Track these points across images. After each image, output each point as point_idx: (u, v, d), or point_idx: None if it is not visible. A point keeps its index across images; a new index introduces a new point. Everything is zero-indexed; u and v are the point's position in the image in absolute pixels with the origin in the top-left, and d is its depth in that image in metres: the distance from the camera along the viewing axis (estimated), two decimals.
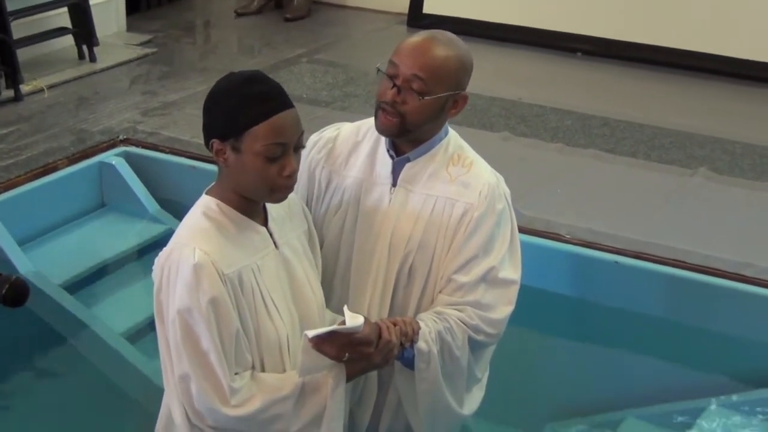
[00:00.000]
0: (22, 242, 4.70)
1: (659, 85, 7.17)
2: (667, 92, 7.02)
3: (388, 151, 2.88)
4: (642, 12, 7.57)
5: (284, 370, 2.59)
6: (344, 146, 2.97)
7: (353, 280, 2.92)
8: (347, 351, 2.48)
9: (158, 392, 2.71)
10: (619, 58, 7.56)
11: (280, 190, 2.50)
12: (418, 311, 2.87)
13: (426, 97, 2.72)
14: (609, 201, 5.07)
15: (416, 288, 2.88)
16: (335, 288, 2.95)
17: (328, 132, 3.02)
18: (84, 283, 4.71)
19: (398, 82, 2.73)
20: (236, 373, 2.48)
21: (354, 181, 2.92)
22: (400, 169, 2.87)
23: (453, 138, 2.93)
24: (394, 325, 2.61)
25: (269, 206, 2.62)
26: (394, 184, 2.88)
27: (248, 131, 2.41)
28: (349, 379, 2.58)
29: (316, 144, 2.99)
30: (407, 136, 2.82)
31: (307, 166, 2.95)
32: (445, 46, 2.75)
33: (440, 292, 2.85)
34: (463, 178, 2.85)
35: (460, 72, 2.78)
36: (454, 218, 2.82)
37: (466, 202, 2.82)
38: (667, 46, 7.44)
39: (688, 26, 7.38)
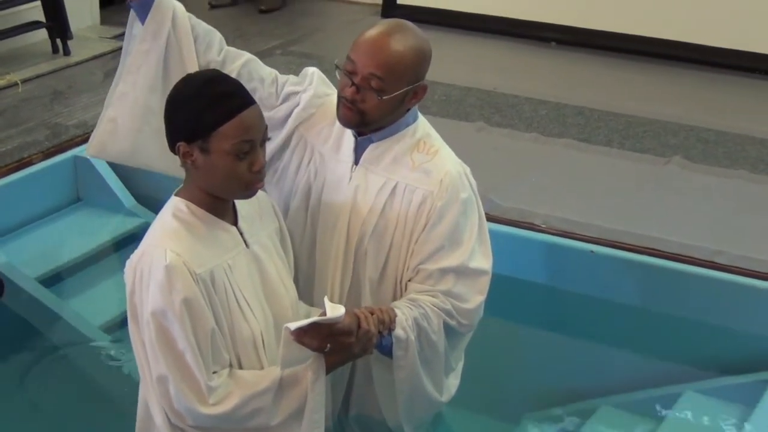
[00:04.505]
0: None
1: (633, 74, 7.19)
2: (641, 81, 7.04)
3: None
4: (615, 1, 7.59)
5: (261, 368, 2.59)
6: (323, 119, 2.98)
7: (318, 257, 2.95)
8: (328, 342, 2.48)
9: (135, 386, 2.72)
10: (594, 48, 7.57)
11: (251, 185, 2.50)
12: (375, 296, 2.89)
13: (384, 97, 2.72)
14: (584, 190, 5.09)
15: (371, 272, 2.89)
16: (302, 266, 2.96)
17: (321, 89, 3.03)
18: (60, 278, 4.70)
19: (356, 80, 2.73)
20: (214, 372, 2.48)
21: (322, 156, 2.94)
22: (364, 149, 2.88)
23: (422, 124, 2.94)
24: (371, 314, 2.61)
25: (239, 205, 2.62)
26: (356, 163, 2.89)
27: (216, 131, 2.41)
28: (328, 370, 2.58)
29: (308, 99, 3.00)
30: (368, 128, 2.83)
31: (293, 117, 2.98)
32: (402, 39, 2.73)
33: (410, 281, 2.87)
34: (426, 166, 2.85)
35: (419, 64, 2.77)
36: (413, 205, 2.83)
37: (425, 189, 2.83)
38: (641, 35, 7.46)
39: (662, 15, 7.40)
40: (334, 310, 2.43)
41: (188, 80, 2.51)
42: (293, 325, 2.39)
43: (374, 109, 2.74)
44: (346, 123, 2.82)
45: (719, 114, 6.34)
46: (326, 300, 2.48)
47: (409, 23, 2.81)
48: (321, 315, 2.45)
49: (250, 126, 2.44)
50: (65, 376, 4.22)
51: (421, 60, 2.78)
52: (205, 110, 2.41)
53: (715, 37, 7.24)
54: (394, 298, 2.91)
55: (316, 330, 2.43)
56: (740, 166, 5.48)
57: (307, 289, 2.96)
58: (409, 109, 2.87)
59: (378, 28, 2.77)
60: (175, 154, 2.49)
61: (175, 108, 2.46)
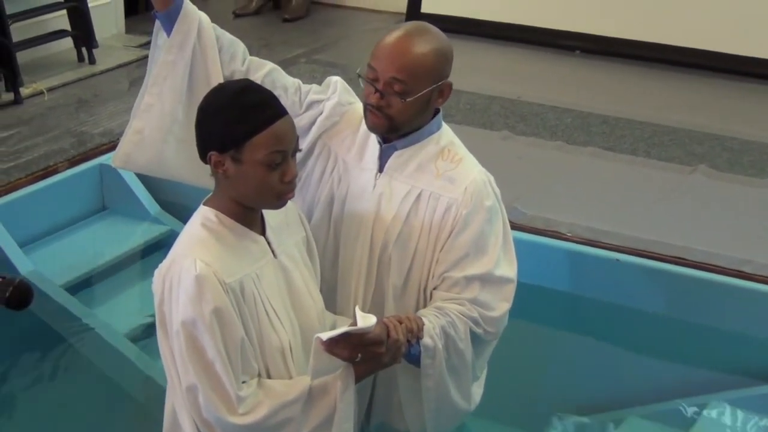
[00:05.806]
0: (24, 245, 4.70)
1: (658, 82, 7.17)
2: (666, 89, 7.03)
3: (376, 136, 2.89)
4: (640, 9, 7.57)
5: (290, 377, 2.59)
6: (347, 127, 2.99)
7: (341, 264, 2.95)
8: (359, 351, 2.47)
9: (162, 393, 2.72)
10: (618, 56, 7.56)
11: (282, 196, 2.50)
12: (398, 304, 2.88)
13: (408, 99, 2.72)
14: (609, 199, 5.08)
15: (395, 279, 2.88)
16: (325, 274, 2.95)
17: (344, 98, 3.03)
18: (86, 285, 4.71)
19: (379, 86, 2.73)
20: (244, 382, 2.48)
21: (345, 164, 2.94)
22: (388, 157, 2.88)
23: (446, 132, 2.93)
24: (400, 323, 2.60)
25: (267, 215, 2.62)
26: (380, 170, 2.89)
27: (249, 141, 2.40)
28: (358, 379, 2.58)
29: (331, 108, 3.00)
30: (398, 133, 2.83)
31: (317, 125, 2.98)
32: (422, 41, 2.73)
33: (435, 288, 2.87)
34: (450, 174, 2.85)
35: (440, 64, 2.76)
36: (438, 213, 2.83)
37: (449, 197, 2.82)
38: (666, 44, 7.44)
39: (687, 23, 7.38)
40: (365, 320, 2.42)
41: (221, 90, 2.50)
42: (325, 336, 2.38)
43: (401, 112, 2.74)
44: (375, 130, 2.83)
45: (745, 123, 6.32)
46: (357, 310, 2.47)
47: (427, 24, 2.81)
48: (351, 325, 2.44)
49: (282, 136, 2.44)
50: (91, 383, 4.23)
51: (440, 58, 2.76)
52: (238, 120, 2.40)
53: (740, 46, 7.22)
54: (418, 306, 2.91)
55: (347, 340, 2.42)
56: (766, 175, 5.46)
57: (330, 297, 2.95)
58: (437, 109, 2.87)
59: (395, 33, 2.77)
60: (206, 163, 2.49)
61: (208, 117, 2.46)
